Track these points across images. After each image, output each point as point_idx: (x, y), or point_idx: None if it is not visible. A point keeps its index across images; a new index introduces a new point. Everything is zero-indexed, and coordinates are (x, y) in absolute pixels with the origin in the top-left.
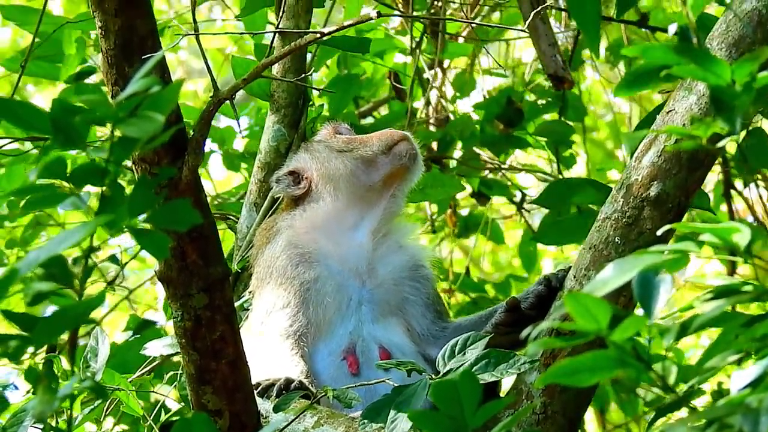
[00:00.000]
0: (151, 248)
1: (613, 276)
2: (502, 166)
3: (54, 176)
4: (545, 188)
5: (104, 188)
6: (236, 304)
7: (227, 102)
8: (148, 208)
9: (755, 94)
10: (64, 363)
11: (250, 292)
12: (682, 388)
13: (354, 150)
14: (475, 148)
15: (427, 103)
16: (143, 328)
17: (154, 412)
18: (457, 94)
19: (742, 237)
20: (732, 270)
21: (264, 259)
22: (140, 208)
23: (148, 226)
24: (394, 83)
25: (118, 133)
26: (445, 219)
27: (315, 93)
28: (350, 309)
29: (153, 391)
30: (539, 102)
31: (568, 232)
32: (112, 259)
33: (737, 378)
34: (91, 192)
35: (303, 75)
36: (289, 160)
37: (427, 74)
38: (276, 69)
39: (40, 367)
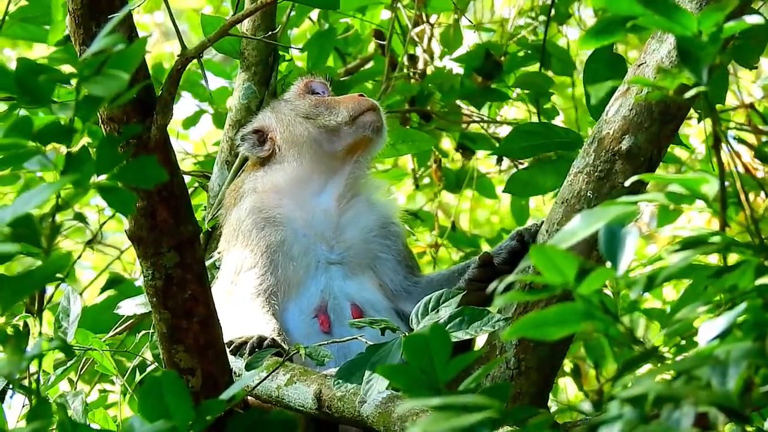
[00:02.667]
0: (118, 205)
1: (580, 227)
2: (483, 119)
3: (20, 135)
4: (504, 138)
5: (70, 147)
6: (207, 263)
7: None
8: (114, 166)
9: (721, 44)
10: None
11: (219, 252)
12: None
13: (318, 117)
14: (457, 102)
15: (411, 57)
16: (112, 285)
17: (128, 371)
18: (445, 49)
19: (710, 187)
20: (723, 223)
21: (231, 221)
22: (107, 167)
23: (117, 183)
24: (378, 40)
25: (83, 91)
26: (430, 174)
27: (293, 50)
28: (319, 269)
29: (127, 351)
30: (519, 54)
31: (537, 183)
32: (79, 217)
33: (705, 330)
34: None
35: (272, 32)
36: (256, 117)
37: (412, 32)
38: (246, 27)
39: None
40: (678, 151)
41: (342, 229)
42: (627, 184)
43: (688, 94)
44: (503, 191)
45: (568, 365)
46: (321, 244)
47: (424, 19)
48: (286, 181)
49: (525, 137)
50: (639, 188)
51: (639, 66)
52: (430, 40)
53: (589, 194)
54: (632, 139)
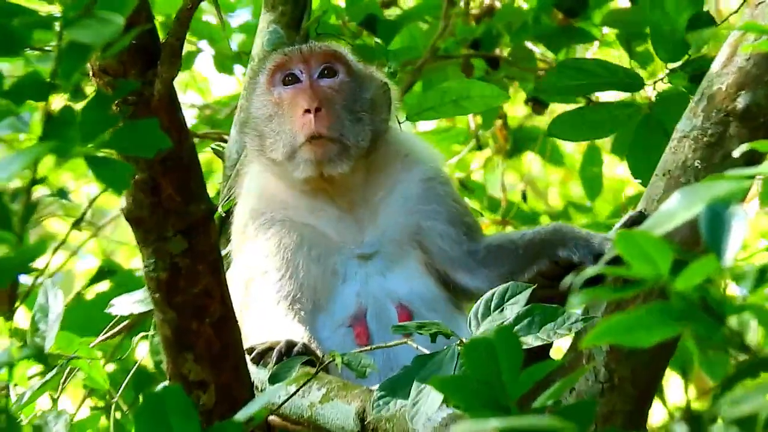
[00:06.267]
0: (109, 179)
1: (679, 207)
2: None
3: None
4: (545, 75)
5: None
6: (223, 252)
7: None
8: (105, 130)
9: None
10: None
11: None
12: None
13: (267, 140)
14: (528, 44)
15: None
16: (102, 278)
17: (125, 382)
18: None
19: None
20: None
21: (237, 213)
22: (95, 131)
23: (109, 152)
24: None
25: (67, 38)
26: (493, 133)
27: None
28: (350, 268)
29: (121, 359)
30: None
31: (588, 126)
32: (60, 193)
33: None
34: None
35: None
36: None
37: None
38: None
39: None
40: None
41: (371, 215)
42: (736, 154)
43: None
44: (545, 135)
45: None
46: (346, 242)
47: None
48: (278, 192)
49: (571, 75)
50: (757, 157)
51: (758, 5)
52: None
53: (696, 164)
54: (750, 95)
